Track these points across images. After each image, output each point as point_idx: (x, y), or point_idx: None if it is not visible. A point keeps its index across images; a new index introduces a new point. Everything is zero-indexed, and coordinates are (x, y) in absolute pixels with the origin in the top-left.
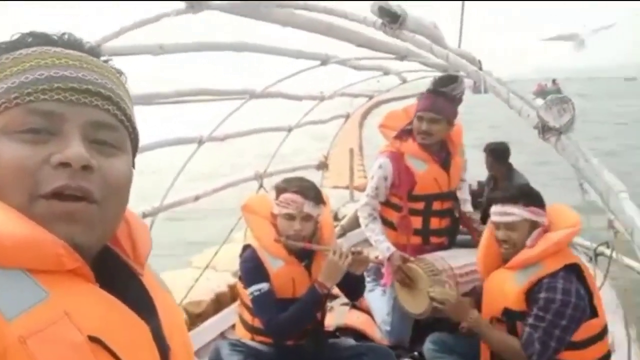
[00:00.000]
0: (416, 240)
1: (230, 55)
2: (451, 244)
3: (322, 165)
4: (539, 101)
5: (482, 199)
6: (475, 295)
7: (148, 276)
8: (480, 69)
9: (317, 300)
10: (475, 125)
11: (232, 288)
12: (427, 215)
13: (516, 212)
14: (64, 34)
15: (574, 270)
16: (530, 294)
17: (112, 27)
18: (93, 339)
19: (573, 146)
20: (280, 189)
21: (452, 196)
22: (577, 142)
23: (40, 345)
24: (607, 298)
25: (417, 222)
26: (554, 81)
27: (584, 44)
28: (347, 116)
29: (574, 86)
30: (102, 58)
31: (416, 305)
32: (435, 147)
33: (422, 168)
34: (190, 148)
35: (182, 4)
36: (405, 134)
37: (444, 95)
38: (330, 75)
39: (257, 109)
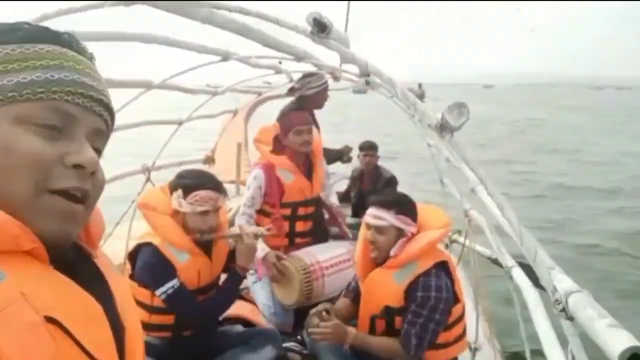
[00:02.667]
0: (284, 242)
1: (137, 47)
2: (316, 242)
3: (209, 160)
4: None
5: (353, 195)
6: (352, 294)
7: (102, 258)
8: (369, 74)
9: (239, 284)
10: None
11: None
12: (293, 220)
13: (386, 218)
14: (69, 35)
15: (443, 267)
16: (409, 291)
17: (34, 14)
18: (49, 319)
19: (462, 143)
20: (190, 186)
21: (314, 202)
22: (462, 141)
23: None
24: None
25: (285, 226)
26: (420, 85)
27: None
28: (235, 112)
29: (436, 91)
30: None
31: (288, 297)
32: (301, 158)
33: (290, 179)
34: None
35: None
36: (277, 149)
37: (304, 110)
38: (221, 70)
39: (148, 103)
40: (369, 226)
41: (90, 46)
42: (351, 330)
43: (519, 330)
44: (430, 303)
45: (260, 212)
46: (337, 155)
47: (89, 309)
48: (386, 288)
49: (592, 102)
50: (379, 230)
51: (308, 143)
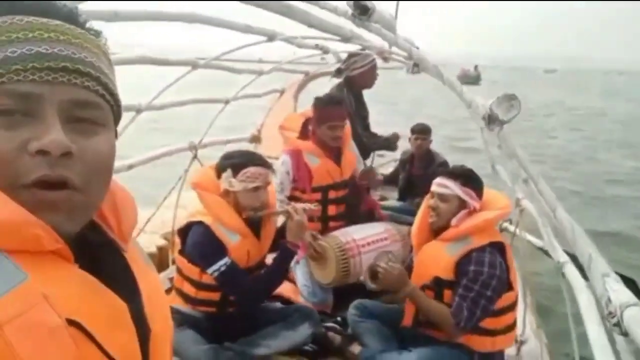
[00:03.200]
0: (316, 226)
1: (181, 27)
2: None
3: (255, 139)
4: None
5: (401, 178)
6: (406, 266)
7: (132, 252)
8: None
9: (290, 260)
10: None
11: (160, 250)
12: (324, 204)
13: (451, 187)
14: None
15: (498, 247)
16: (460, 265)
17: None
18: (71, 322)
19: (511, 138)
20: (239, 165)
21: (345, 185)
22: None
23: (18, 331)
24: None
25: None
26: (476, 67)
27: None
28: (282, 91)
29: (493, 73)
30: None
31: (326, 276)
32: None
33: (317, 162)
34: (128, 116)
35: None
36: (305, 135)
37: (338, 104)
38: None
39: (194, 81)
40: (432, 194)
41: (136, 25)
42: (411, 283)
43: (568, 329)
44: (483, 278)
45: (291, 198)
46: (385, 143)
47: (114, 310)
48: (438, 259)
49: None
50: (442, 197)
51: (339, 138)
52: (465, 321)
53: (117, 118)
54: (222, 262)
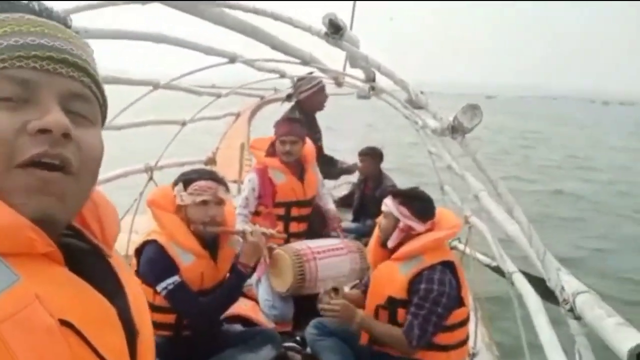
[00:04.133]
0: (278, 242)
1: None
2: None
3: (210, 161)
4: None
5: (355, 199)
6: (364, 287)
7: (116, 258)
8: (374, 79)
9: (243, 282)
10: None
11: None
12: (287, 220)
13: (388, 204)
14: (28, 1)
15: (449, 266)
16: (412, 284)
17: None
18: (63, 322)
19: (472, 145)
20: (189, 179)
21: (308, 204)
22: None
23: (12, 331)
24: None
25: (279, 226)
26: (421, 92)
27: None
28: (238, 114)
29: (436, 99)
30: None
31: (282, 283)
32: (293, 162)
33: (281, 179)
34: None
35: None
36: (271, 152)
37: (298, 121)
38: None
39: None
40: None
41: (103, 43)
42: (359, 311)
43: (519, 337)
44: (433, 295)
45: (255, 213)
46: (344, 171)
47: (104, 312)
48: (392, 278)
49: (598, 116)
50: (384, 214)
51: (289, 154)
52: (417, 339)
53: (103, 118)
54: (170, 281)
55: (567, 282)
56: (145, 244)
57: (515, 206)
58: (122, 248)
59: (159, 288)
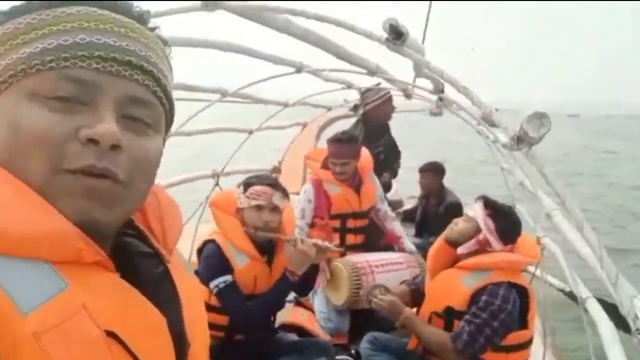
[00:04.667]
0: (335, 255)
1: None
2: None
3: (276, 170)
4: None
5: (417, 215)
6: (414, 287)
7: (175, 262)
8: (442, 90)
9: (288, 288)
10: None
11: None
12: (343, 233)
13: (477, 211)
14: None
15: (518, 288)
16: (475, 295)
17: None
18: (109, 334)
19: (539, 156)
20: (249, 183)
21: (364, 215)
22: (539, 154)
23: (55, 341)
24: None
25: (335, 238)
26: (496, 109)
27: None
28: (305, 125)
29: (512, 118)
30: (150, 25)
31: (339, 296)
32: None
33: (336, 190)
34: None
35: (198, 3)
36: (325, 165)
37: (345, 142)
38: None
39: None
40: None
41: (174, 51)
42: (407, 310)
43: None
44: (492, 309)
45: (311, 225)
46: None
47: (153, 322)
48: (453, 288)
49: None
50: (465, 217)
51: (341, 174)
52: (464, 345)
53: (168, 123)
54: (222, 279)
55: None
56: (206, 243)
57: (585, 225)
58: (185, 252)
59: (211, 286)
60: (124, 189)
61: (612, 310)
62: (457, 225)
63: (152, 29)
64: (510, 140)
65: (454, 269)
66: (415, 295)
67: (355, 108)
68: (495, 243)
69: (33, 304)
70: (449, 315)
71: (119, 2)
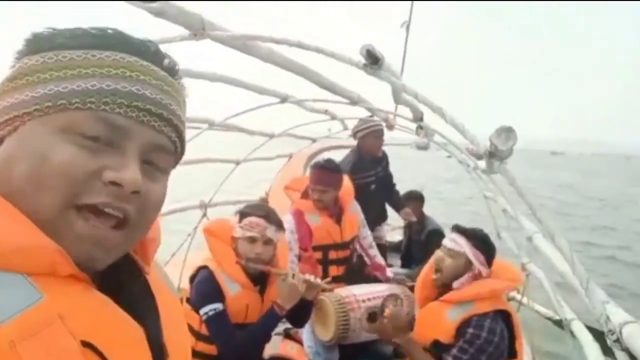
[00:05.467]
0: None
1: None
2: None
3: (263, 201)
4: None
5: (402, 245)
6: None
7: (154, 274)
8: (421, 119)
9: (276, 322)
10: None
11: None
12: (325, 264)
13: (461, 244)
14: (144, 41)
15: (503, 315)
16: (460, 328)
17: None
18: (86, 344)
19: (511, 170)
20: (244, 213)
21: (346, 246)
22: (511, 169)
23: (31, 350)
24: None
25: (318, 271)
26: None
27: None
28: (290, 156)
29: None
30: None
31: (326, 332)
32: (328, 205)
33: (317, 221)
34: None
35: (187, 33)
36: (306, 194)
37: (327, 169)
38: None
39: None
40: (442, 249)
41: None
42: (410, 333)
43: None
44: (479, 342)
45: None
46: (397, 204)
47: (130, 334)
48: (438, 321)
49: None
50: (450, 253)
51: (319, 201)
52: None
53: (176, 163)
54: (213, 306)
55: (613, 313)
56: (199, 270)
57: (557, 233)
58: (175, 280)
59: (201, 313)
60: (127, 234)
61: (597, 335)
62: (444, 264)
63: (176, 73)
64: (485, 158)
65: (438, 302)
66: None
67: (354, 135)
68: (485, 271)
69: (8, 314)
70: (437, 349)
71: (156, 50)
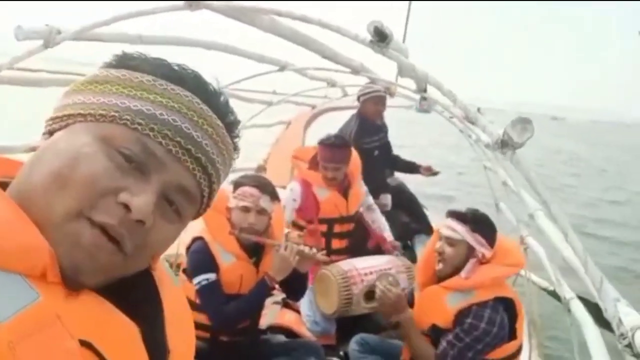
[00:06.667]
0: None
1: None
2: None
3: (261, 169)
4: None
5: None
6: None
7: (159, 270)
8: (425, 90)
9: (266, 293)
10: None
11: None
12: (329, 237)
13: (460, 231)
14: (217, 91)
15: (505, 302)
16: (459, 316)
17: (107, 15)
18: (84, 344)
19: (524, 161)
20: (238, 183)
21: (351, 220)
22: (525, 158)
23: (31, 351)
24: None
25: (321, 243)
26: (478, 110)
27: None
28: (289, 123)
29: (495, 117)
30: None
31: (329, 305)
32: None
33: (325, 195)
34: None
35: (181, 3)
36: (314, 165)
37: (337, 146)
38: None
39: None
40: (440, 236)
41: (157, 49)
42: (409, 311)
43: None
44: (476, 333)
45: (293, 225)
46: (410, 168)
47: (125, 333)
48: (437, 307)
49: None
50: (449, 242)
51: (332, 179)
52: None
53: (199, 213)
54: (205, 276)
55: (625, 315)
56: (194, 240)
57: (570, 230)
58: (172, 247)
59: (194, 282)
60: (123, 260)
61: (595, 311)
62: (445, 254)
63: (227, 118)
64: (494, 144)
65: (439, 287)
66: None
67: (358, 99)
68: (488, 252)
69: (6, 314)
70: (434, 334)
71: (224, 103)
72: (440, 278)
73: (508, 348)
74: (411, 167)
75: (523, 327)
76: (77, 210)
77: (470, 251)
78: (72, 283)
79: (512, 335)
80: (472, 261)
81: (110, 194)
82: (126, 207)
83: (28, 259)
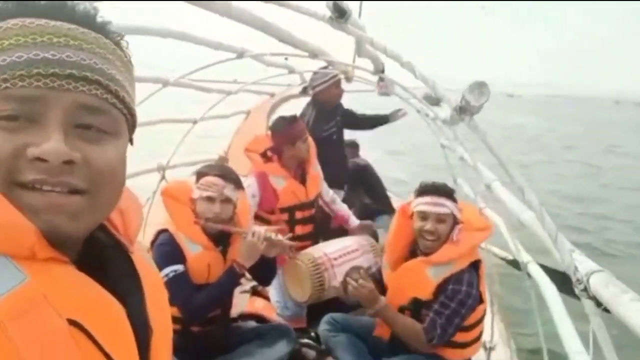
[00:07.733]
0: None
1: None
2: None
3: (222, 160)
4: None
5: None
6: (372, 278)
7: (137, 253)
8: (383, 70)
9: (235, 280)
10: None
11: None
12: (292, 225)
13: (448, 205)
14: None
15: (475, 265)
16: (442, 285)
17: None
18: (72, 322)
19: (481, 126)
20: (201, 173)
21: (311, 205)
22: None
23: (21, 330)
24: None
25: (286, 231)
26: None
27: None
28: (248, 112)
29: (457, 95)
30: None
31: (302, 293)
32: (293, 164)
33: (282, 184)
34: None
35: None
36: (266, 156)
37: (297, 121)
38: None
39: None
40: (427, 215)
41: None
42: (382, 299)
43: (535, 326)
44: (460, 297)
45: (257, 218)
46: (381, 120)
47: (112, 311)
48: (419, 280)
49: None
50: (440, 218)
51: (307, 152)
52: (438, 338)
53: (131, 126)
54: (173, 268)
55: (580, 263)
56: (159, 233)
57: (526, 188)
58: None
59: (162, 274)
60: (90, 199)
61: (553, 275)
62: (436, 233)
63: (99, 28)
64: (453, 112)
65: (418, 261)
66: (373, 282)
67: (304, 90)
68: (460, 216)
69: None
70: (415, 306)
71: (58, 4)
72: (410, 250)
73: (478, 312)
74: (380, 120)
75: (485, 291)
76: (6, 186)
77: (455, 221)
78: (65, 249)
79: (480, 298)
80: (459, 226)
81: (19, 157)
82: (39, 159)
83: (14, 240)
